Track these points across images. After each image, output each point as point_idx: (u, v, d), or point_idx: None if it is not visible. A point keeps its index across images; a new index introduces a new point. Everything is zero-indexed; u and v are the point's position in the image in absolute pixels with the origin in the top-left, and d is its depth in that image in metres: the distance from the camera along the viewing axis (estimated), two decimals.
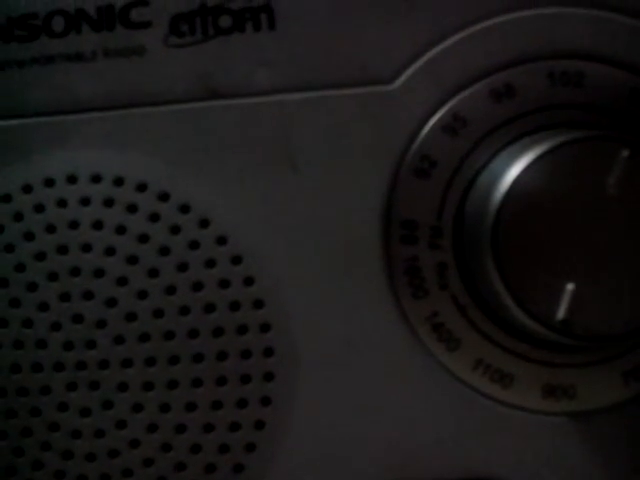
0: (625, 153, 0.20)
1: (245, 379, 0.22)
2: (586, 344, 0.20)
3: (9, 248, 0.22)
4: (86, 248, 0.22)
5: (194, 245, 0.22)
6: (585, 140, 0.20)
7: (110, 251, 0.22)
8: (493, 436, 0.22)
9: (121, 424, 0.22)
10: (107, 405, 0.22)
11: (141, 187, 0.22)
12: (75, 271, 0.22)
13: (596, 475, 0.21)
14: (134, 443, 0.22)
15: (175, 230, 0.22)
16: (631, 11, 0.22)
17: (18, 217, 0.22)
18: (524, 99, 0.21)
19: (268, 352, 0.22)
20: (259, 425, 0.22)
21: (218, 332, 0.22)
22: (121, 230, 0.22)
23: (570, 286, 0.19)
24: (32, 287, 0.22)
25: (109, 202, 0.22)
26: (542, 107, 0.21)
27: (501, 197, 0.20)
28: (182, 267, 0.22)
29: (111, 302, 0.22)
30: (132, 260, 0.22)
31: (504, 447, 0.22)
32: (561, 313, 0.19)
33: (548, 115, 0.21)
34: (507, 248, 0.20)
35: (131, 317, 0.22)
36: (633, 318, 0.20)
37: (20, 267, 0.22)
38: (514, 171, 0.20)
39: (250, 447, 0.22)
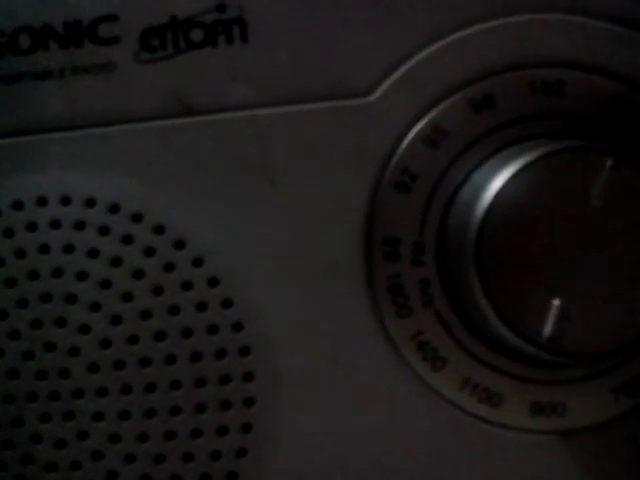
0: (609, 163, 0.19)
1: (225, 405, 0.21)
2: (574, 361, 0.19)
3: None
4: (57, 273, 0.21)
5: (169, 267, 0.21)
6: (568, 150, 0.19)
7: (82, 276, 0.21)
8: (481, 456, 0.21)
9: (98, 455, 0.21)
10: (83, 436, 0.21)
11: (113, 208, 0.21)
12: (46, 297, 0.21)
13: None
14: (112, 475, 0.21)
15: (150, 252, 0.21)
16: (611, 17, 0.21)
17: None
18: (505, 109, 0.21)
19: (248, 377, 0.21)
20: (241, 453, 0.21)
21: (196, 357, 0.21)
22: (93, 254, 0.21)
23: (556, 302, 0.19)
24: (2, 315, 0.21)
25: (80, 225, 0.21)
26: (523, 117, 0.21)
27: (484, 210, 0.19)
28: (157, 290, 0.21)
29: (84, 329, 0.21)
30: (105, 284, 0.21)
31: (492, 467, 0.21)
32: (548, 330, 0.19)
33: (530, 125, 0.21)
34: (491, 263, 0.19)
35: (105, 344, 0.21)
36: (622, 333, 0.19)
37: None
38: (497, 183, 0.19)
39: (232, 476, 0.21)
